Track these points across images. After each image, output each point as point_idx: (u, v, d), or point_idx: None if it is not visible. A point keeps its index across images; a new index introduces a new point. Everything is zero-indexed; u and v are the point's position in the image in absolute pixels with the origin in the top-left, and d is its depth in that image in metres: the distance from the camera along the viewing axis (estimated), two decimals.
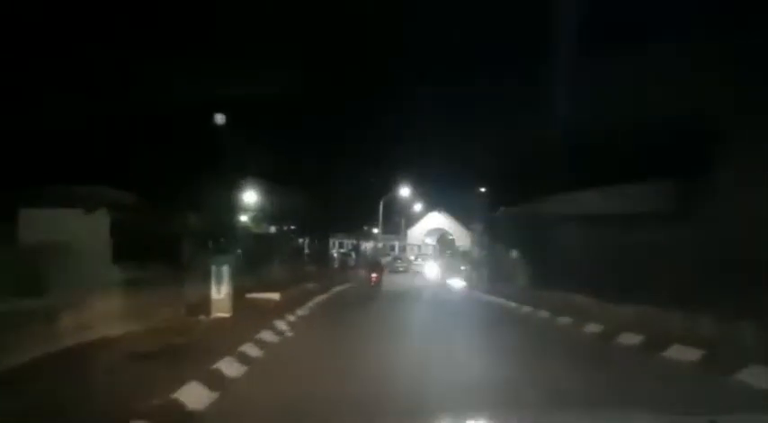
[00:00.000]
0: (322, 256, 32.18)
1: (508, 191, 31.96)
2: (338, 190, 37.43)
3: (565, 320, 12.38)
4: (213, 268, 10.97)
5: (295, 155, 30.10)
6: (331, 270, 32.22)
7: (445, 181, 49.07)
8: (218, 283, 10.94)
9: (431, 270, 31.70)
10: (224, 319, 10.86)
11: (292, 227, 38.33)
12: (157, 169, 15.64)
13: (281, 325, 10.52)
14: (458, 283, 14.94)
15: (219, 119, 11.16)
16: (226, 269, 11.05)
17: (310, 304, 15.24)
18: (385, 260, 44.88)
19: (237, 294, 15.27)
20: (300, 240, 37.39)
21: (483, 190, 38.76)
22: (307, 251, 37.66)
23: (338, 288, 23.31)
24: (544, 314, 13.99)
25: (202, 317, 10.92)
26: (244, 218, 30.28)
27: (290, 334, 10.00)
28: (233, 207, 27.45)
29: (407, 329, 11.83)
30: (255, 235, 28.29)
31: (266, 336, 9.25)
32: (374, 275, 24.25)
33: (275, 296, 15.32)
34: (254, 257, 24.42)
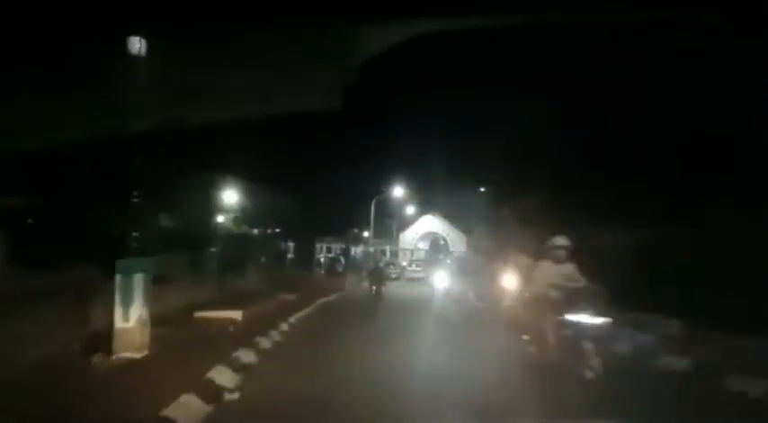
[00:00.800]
0: (307, 260, 27.69)
1: (511, 190, 28.00)
2: (326, 191, 33.45)
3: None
4: (118, 280, 6.50)
5: (281, 155, 26.66)
6: (317, 276, 27.76)
7: (440, 183, 44.99)
8: (127, 303, 6.48)
9: (441, 280, 26.41)
10: (131, 362, 6.40)
11: (277, 230, 34.39)
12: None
13: (223, 376, 6.04)
14: (587, 318, 6.22)
15: (135, 45, 6.75)
16: (140, 280, 6.59)
17: (284, 326, 10.77)
18: (367, 268, 40.37)
19: (185, 312, 10.91)
20: (285, 244, 33.13)
21: (483, 190, 34.69)
22: (291, 255, 33.34)
23: (324, 300, 18.85)
24: (684, 367, 7.20)
25: (97, 358, 6.49)
26: (221, 219, 26.59)
27: (232, 396, 5.53)
28: (209, 205, 23.88)
29: (435, 385, 6.24)
30: (230, 236, 23.88)
31: (185, 409, 4.80)
32: (373, 286, 19.81)
33: (236, 314, 10.87)
34: (228, 262, 20.11)
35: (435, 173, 41.71)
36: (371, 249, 42.55)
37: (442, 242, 59.71)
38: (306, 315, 13.61)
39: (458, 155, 40.01)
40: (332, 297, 20.48)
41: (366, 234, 45.81)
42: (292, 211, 30.44)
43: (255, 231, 30.52)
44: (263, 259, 27.96)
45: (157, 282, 12.71)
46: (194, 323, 10.14)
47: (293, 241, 32.52)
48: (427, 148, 36.99)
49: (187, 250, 17.51)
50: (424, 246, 56.46)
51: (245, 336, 8.84)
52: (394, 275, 38.37)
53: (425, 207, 50.48)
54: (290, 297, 17.44)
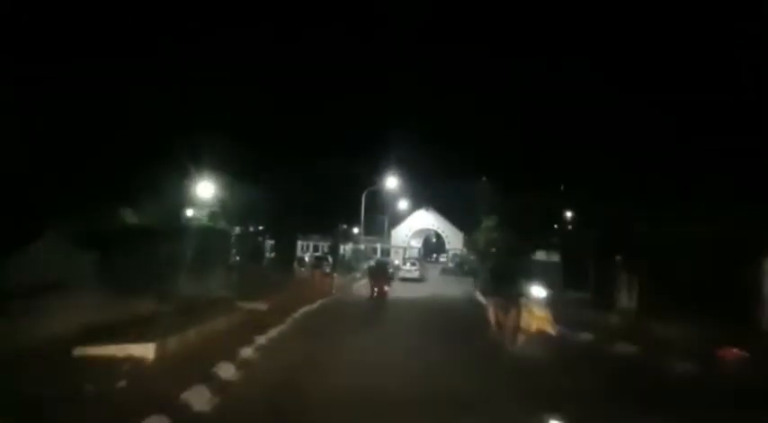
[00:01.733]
0: (287, 260, 23.02)
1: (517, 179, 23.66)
2: (312, 184, 28.88)
3: None
4: None
5: (264, 146, 22.83)
6: (299, 278, 23.08)
7: (434, 175, 40.64)
8: None
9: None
10: None
11: (260, 227, 29.83)
12: None
13: None
14: None
15: None
16: None
17: (227, 371, 6.10)
18: (369, 264, 35.84)
19: (74, 344, 6.31)
20: (263, 241, 28.50)
21: (485, 179, 30.30)
22: (271, 254, 28.65)
23: (306, 309, 14.20)
24: None
25: None
26: (193, 213, 22.27)
27: None
28: (178, 198, 20.30)
29: None
30: (194, 233, 19.19)
31: None
32: (376, 287, 15.59)
33: (144, 349, 6.20)
34: (187, 262, 15.41)
35: (430, 163, 37.41)
36: (362, 247, 37.99)
37: (434, 240, 55.30)
38: (274, 340, 8.92)
39: (455, 142, 35.71)
40: (317, 304, 15.83)
41: (356, 230, 41.19)
42: (275, 207, 26.00)
43: (237, 229, 26.12)
44: (237, 258, 23.38)
45: (34, 293, 8.11)
46: (63, 370, 5.48)
47: (273, 238, 27.90)
48: (421, 137, 32.68)
49: (135, 249, 12.96)
50: (417, 243, 52.01)
51: (133, 405, 4.20)
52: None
53: (419, 201, 45.98)
54: (260, 307, 12.81)
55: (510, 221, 22.23)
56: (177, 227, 16.99)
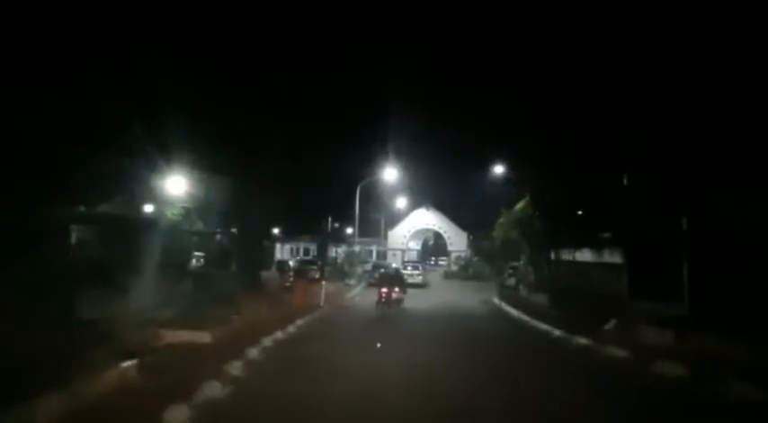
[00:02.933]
0: (255, 264, 18.14)
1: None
2: (297, 177, 24.02)
3: None
4: None
5: (243, 135, 18.66)
6: (277, 288, 18.28)
7: (436, 170, 36.01)
8: None
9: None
10: None
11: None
12: None
13: None
14: None
15: None
16: None
17: None
18: (364, 268, 31.14)
19: None
20: (227, 241, 23.94)
21: (500, 171, 25.38)
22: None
23: (277, 337, 9.34)
24: None
25: None
26: (157, 211, 18.05)
27: None
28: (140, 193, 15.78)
29: None
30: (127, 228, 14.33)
31: None
32: (384, 291, 13.28)
33: None
34: (121, 268, 10.59)
35: (430, 160, 32.84)
36: (356, 249, 33.17)
37: (431, 243, 50.57)
38: None
39: (459, 136, 31.16)
40: (296, 325, 10.96)
41: (349, 231, 36.40)
42: (251, 203, 21.27)
43: (218, 230, 21.65)
44: (197, 262, 18.78)
45: None
46: None
47: (238, 237, 23.18)
48: (420, 129, 28.03)
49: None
50: (416, 245, 47.15)
51: None
52: None
53: (419, 199, 41.19)
54: (201, 338, 7.98)
55: (542, 212, 17.51)
56: (95, 221, 12.07)
